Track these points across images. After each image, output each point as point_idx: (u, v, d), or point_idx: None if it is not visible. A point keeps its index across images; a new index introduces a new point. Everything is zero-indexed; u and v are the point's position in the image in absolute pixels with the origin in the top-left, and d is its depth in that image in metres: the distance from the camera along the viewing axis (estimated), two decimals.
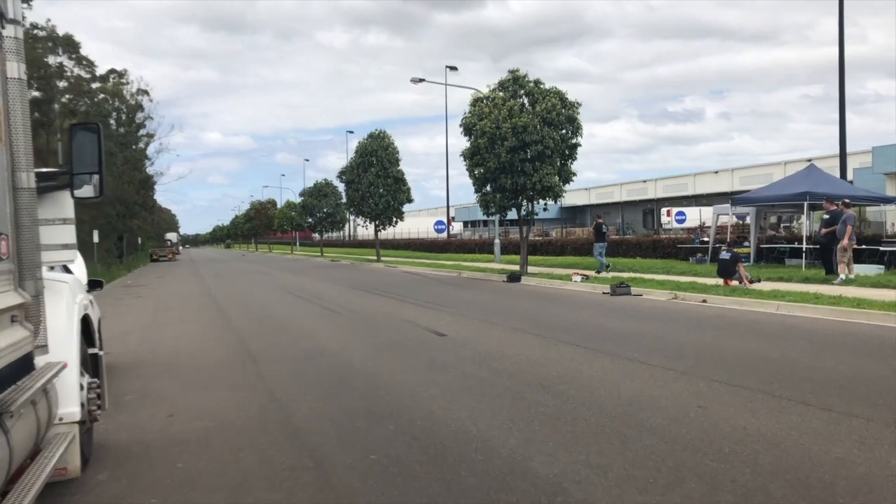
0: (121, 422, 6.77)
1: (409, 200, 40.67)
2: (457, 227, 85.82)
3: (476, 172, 23.04)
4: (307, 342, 11.30)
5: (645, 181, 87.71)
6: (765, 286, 15.68)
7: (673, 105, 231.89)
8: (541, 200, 23.47)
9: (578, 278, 19.79)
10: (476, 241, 49.02)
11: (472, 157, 23.29)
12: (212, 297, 21.51)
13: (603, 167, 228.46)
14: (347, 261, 46.54)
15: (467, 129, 23.34)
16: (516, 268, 25.30)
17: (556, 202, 23.48)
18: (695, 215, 64.94)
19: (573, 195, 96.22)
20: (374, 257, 42.45)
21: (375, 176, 38.93)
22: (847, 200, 16.36)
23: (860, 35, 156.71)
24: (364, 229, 48.86)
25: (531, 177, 22.18)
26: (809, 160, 64.21)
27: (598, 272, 21.92)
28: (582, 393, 7.13)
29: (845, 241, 15.77)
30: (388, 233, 73.47)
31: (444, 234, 61.43)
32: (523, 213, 24.05)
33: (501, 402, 6.86)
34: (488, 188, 23.58)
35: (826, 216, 16.84)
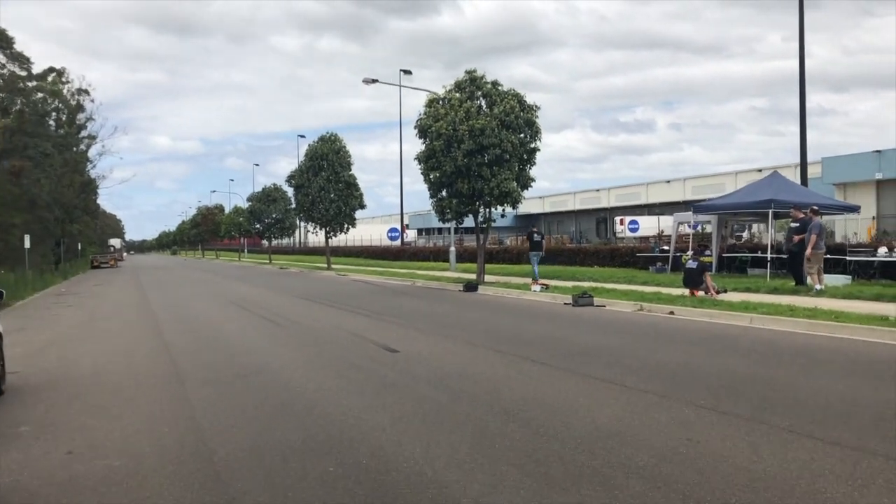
0: (8, 460, 5.62)
1: (362, 206, 39.52)
2: (411, 235, 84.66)
3: (431, 176, 22.09)
4: (244, 359, 10.17)
5: (598, 190, 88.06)
6: (733, 297, 15.04)
7: (625, 115, 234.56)
8: (498, 206, 22.62)
9: (538, 288, 18.96)
10: (431, 249, 48.06)
11: (427, 160, 22.35)
12: (148, 307, 20.11)
13: (556, 176, 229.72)
14: (296, 268, 45.12)
15: (422, 131, 22.39)
16: (473, 276, 24.40)
17: (514, 208, 22.65)
18: (648, 224, 65.27)
19: (528, 203, 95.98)
20: (325, 265, 41.16)
21: (326, 180, 37.68)
22: (815, 208, 15.83)
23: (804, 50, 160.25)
24: (315, 236, 47.56)
25: (489, 182, 21.32)
26: (760, 170, 65.24)
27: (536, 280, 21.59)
28: (552, 421, 6.20)
29: (808, 251, 15.24)
30: (340, 240, 72.08)
31: (398, 242, 60.33)
32: (480, 219, 23.17)
33: (461, 434, 5.89)
34: (444, 193, 22.65)
35: (794, 224, 16.30)
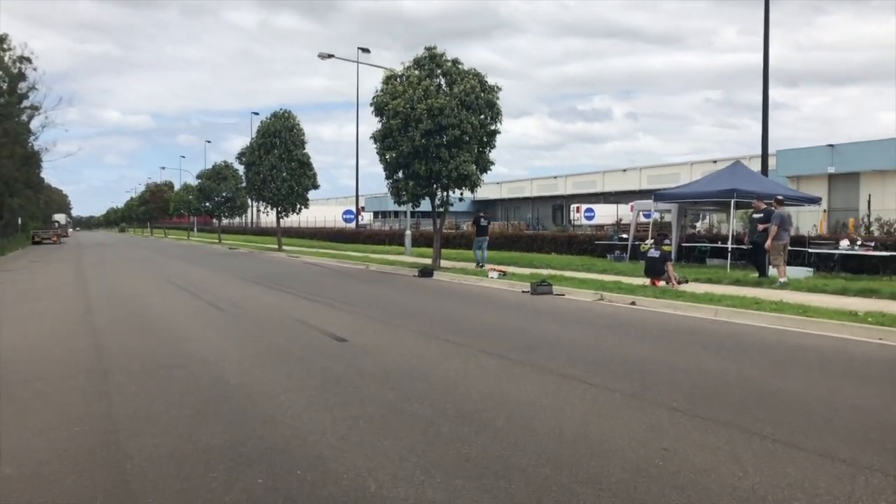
0: None
1: (315, 186, 38.42)
2: (367, 218, 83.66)
3: (387, 156, 21.27)
4: (177, 348, 9.34)
5: (555, 177, 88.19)
6: (695, 288, 14.64)
7: (582, 103, 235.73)
8: (457, 190, 21.94)
9: (495, 274, 18.37)
10: (386, 233, 47.15)
11: (383, 139, 21.52)
12: (84, 286, 18.97)
13: (514, 163, 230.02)
14: (246, 249, 43.87)
15: (379, 109, 21.53)
16: (429, 261, 23.71)
17: (472, 192, 21.98)
18: (603, 212, 65.40)
19: (485, 189, 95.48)
20: (276, 246, 39.99)
21: (278, 158, 36.47)
22: (780, 197, 15.49)
23: (756, 44, 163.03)
24: (266, 216, 46.29)
25: (447, 163, 20.61)
26: (715, 161, 65.87)
27: (480, 266, 22.09)
28: (512, 426, 5.58)
29: (768, 242, 14.90)
30: (293, 221, 70.48)
31: (353, 224, 59.22)
32: (437, 202, 22.46)
33: (411, 441, 5.23)
34: (400, 174, 21.86)
35: (758, 215, 15.94)
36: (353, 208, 59.96)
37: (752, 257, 16.54)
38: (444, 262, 23.39)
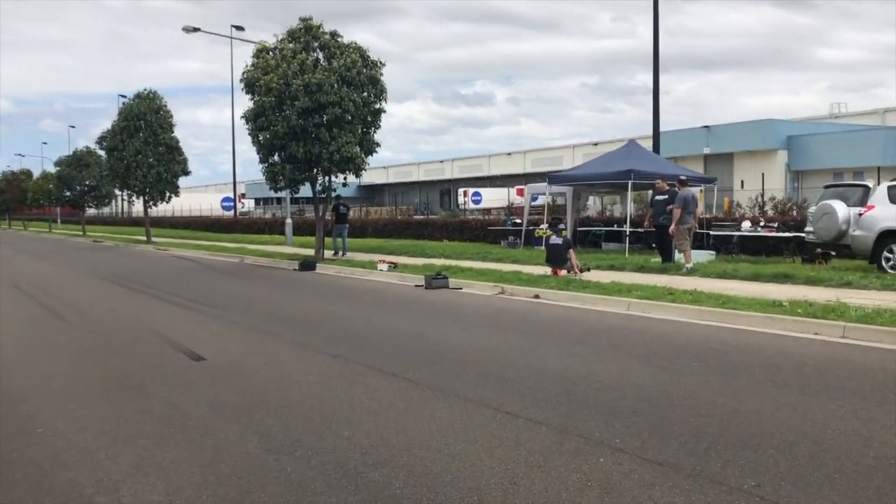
0: None
1: (186, 172, 35.47)
2: (249, 205, 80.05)
3: (261, 137, 19.20)
4: None
5: (442, 161, 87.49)
6: (599, 276, 13.62)
7: (465, 88, 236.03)
8: (339, 174, 20.17)
9: (385, 266, 16.81)
10: (266, 221, 44.58)
11: (255, 119, 19.45)
12: None
13: (400, 147, 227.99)
14: (113, 241, 40.28)
15: (249, 86, 19.43)
16: (311, 252, 21.84)
17: (357, 176, 20.26)
18: (490, 196, 65.05)
19: (372, 174, 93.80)
20: (145, 238, 36.78)
21: (144, 143, 33.29)
22: (683, 178, 14.66)
23: (630, 30, 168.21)
24: (135, 206, 42.74)
25: (328, 145, 18.79)
26: (596, 144, 66.78)
27: (341, 255, 21.69)
28: (415, 487, 4.10)
29: (672, 226, 14.10)
30: (167, 210, 66.10)
31: (232, 213, 56.16)
32: (319, 188, 20.62)
33: None
34: (276, 158, 19.88)
35: (661, 197, 15.08)
36: (232, 195, 56.83)
37: (657, 242, 15.68)
38: (328, 253, 21.61)
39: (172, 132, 34.88)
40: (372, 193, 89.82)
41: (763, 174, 32.57)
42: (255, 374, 7.17)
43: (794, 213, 18.88)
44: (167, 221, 59.04)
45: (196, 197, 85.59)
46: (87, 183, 50.07)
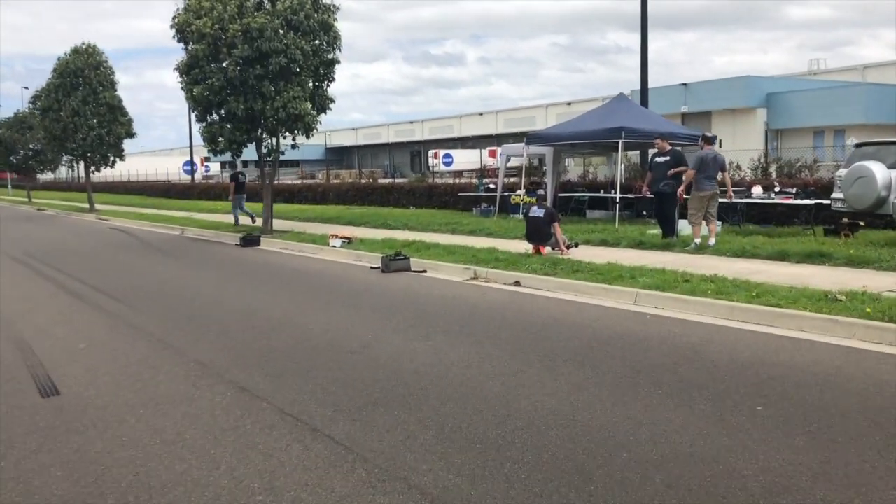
0: None
1: (131, 134, 32.35)
2: (213, 169, 76.54)
3: (195, 92, 16.53)
4: None
5: (412, 122, 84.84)
6: (589, 254, 11.36)
7: (435, 48, 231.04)
8: (288, 134, 17.60)
9: (338, 242, 14.41)
10: (224, 186, 41.62)
11: (188, 70, 16.77)
12: None
13: (370, 108, 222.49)
14: (56, 209, 37.25)
15: (181, 32, 16.69)
16: (258, 224, 19.27)
17: (307, 136, 17.65)
18: (462, 158, 62.55)
19: (339, 135, 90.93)
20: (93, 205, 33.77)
21: (82, 102, 30.19)
22: (707, 135, 12.21)
23: None
24: (73, 171, 39.61)
25: (272, 100, 16.20)
26: (569, 103, 64.37)
27: (237, 224, 20.46)
28: None
29: (681, 189, 11.67)
30: (125, 174, 62.86)
31: (196, 177, 53.19)
32: (265, 150, 18.04)
33: None
34: (214, 116, 17.26)
35: (662, 159, 12.74)
36: (194, 159, 53.62)
37: (656, 211, 13.31)
38: (279, 224, 19.10)
39: (115, 90, 31.77)
40: (340, 156, 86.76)
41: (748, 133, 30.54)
42: (122, 424, 4.86)
43: (805, 175, 16.70)
44: (121, 187, 56.00)
45: (161, 161, 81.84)
46: (31, 147, 46.61)
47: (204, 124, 17.43)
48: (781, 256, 10.22)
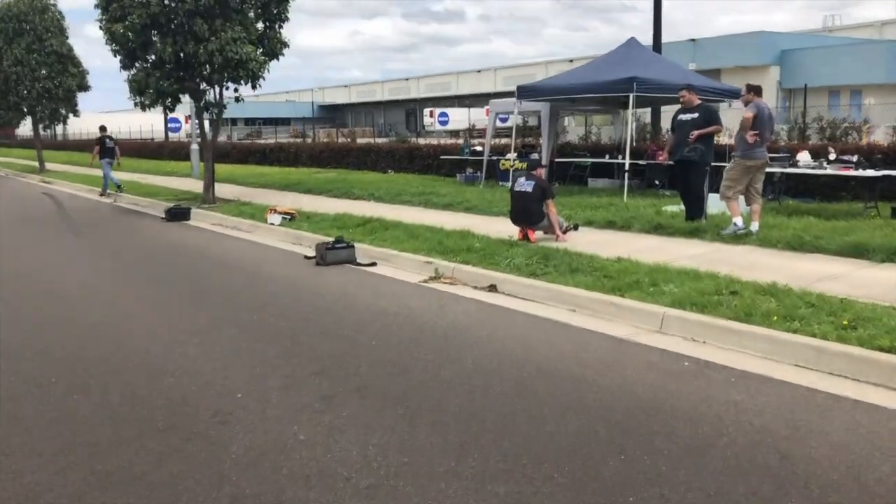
0: None
1: (84, 87, 29.32)
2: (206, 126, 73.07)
3: (115, 31, 13.55)
4: None
5: (407, 79, 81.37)
6: (593, 241, 8.59)
7: (435, 4, 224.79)
8: (230, 83, 14.63)
9: (277, 219, 11.59)
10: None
11: (107, 6, 13.78)
12: None
13: (367, 66, 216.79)
14: (8, 170, 34.30)
15: None
16: (199, 192, 16.27)
17: (254, 86, 14.65)
18: (459, 116, 59.47)
19: (332, 93, 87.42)
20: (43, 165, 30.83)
21: (26, 51, 27.05)
22: (751, 84, 9.13)
23: None
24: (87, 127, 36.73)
25: (206, 42, 13.25)
26: (571, 60, 60.87)
27: (104, 193, 19.01)
28: None
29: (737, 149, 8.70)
30: (113, 131, 59.48)
31: (179, 135, 50.33)
32: (204, 104, 15.08)
33: None
34: (139, 63, 14.30)
35: (687, 116, 9.73)
36: (181, 116, 50.54)
37: (680, 185, 10.23)
38: (226, 190, 16.25)
39: (66, 37, 28.61)
40: (333, 114, 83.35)
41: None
42: None
43: (853, 139, 13.82)
44: (89, 146, 52.77)
45: (147, 118, 78.24)
46: None
47: (131, 73, 14.46)
48: (856, 251, 7.37)
